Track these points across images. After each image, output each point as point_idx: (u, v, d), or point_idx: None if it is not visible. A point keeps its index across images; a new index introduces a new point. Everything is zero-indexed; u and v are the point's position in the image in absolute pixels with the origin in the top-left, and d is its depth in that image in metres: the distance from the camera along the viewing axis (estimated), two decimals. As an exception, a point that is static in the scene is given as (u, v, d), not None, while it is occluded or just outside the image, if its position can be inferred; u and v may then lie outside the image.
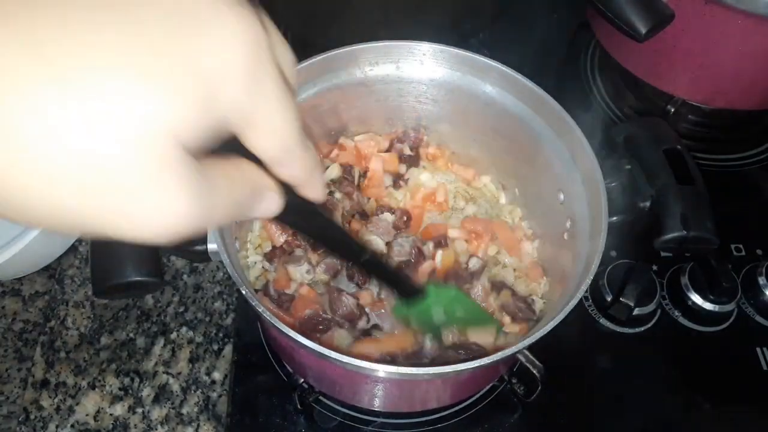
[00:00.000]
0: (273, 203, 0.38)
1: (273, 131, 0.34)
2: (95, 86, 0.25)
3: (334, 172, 0.90)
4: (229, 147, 0.33)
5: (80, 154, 0.25)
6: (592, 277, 0.64)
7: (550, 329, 0.61)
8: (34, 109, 0.24)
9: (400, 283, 0.69)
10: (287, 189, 0.39)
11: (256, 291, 0.81)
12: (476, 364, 0.59)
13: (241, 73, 0.29)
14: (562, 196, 0.79)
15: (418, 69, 0.86)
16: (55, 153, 0.25)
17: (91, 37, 0.25)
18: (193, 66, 0.27)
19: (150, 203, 0.27)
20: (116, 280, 0.63)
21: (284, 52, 0.35)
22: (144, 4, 0.27)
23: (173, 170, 0.28)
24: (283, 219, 0.41)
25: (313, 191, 0.41)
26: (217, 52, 0.28)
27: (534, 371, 0.69)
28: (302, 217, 0.45)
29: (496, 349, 0.66)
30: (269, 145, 0.34)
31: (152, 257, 0.64)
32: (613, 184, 0.75)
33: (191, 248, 0.69)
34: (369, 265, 0.61)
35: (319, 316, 0.78)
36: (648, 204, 0.72)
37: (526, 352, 0.68)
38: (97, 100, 0.25)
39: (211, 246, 0.68)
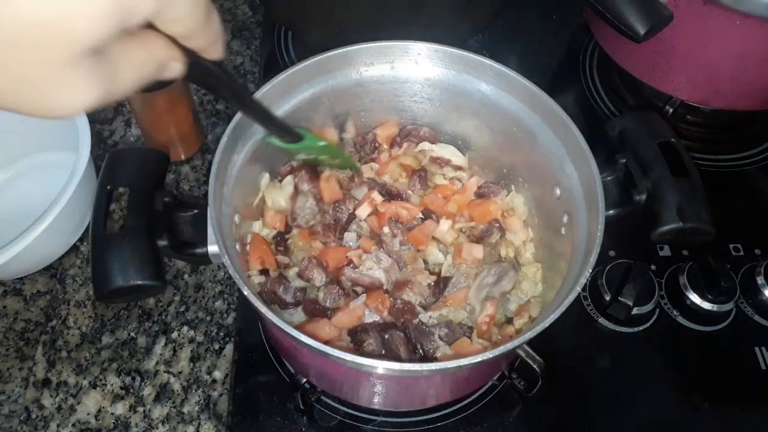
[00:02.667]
0: (176, 70, 0.45)
1: (182, 20, 0.41)
2: None
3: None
4: None
5: (8, 42, 0.32)
6: (590, 271, 0.64)
7: (549, 323, 0.61)
8: None
9: (281, 128, 0.75)
10: (191, 53, 0.47)
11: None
12: (477, 360, 0.59)
13: None
14: (558, 192, 0.80)
15: (413, 69, 0.86)
16: None
17: None
18: None
19: (59, 86, 0.35)
20: (117, 285, 0.63)
21: None
22: None
23: (79, 66, 0.35)
24: (188, 79, 0.49)
25: (214, 53, 0.49)
26: None
27: (534, 366, 0.69)
28: (202, 75, 0.54)
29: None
30: (179, 29, 0.42)
31: (154, 261, 0.64)
32: (608, 178, 0.75)
33: (192, 251, 0.69)
34: (253, 111, 0.69)
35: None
36: (644, 197, 0.72)
37: (527, 347, 0.68)
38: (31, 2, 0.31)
39: (212, 248, 0.68)
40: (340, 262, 0.85)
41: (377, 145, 0.94)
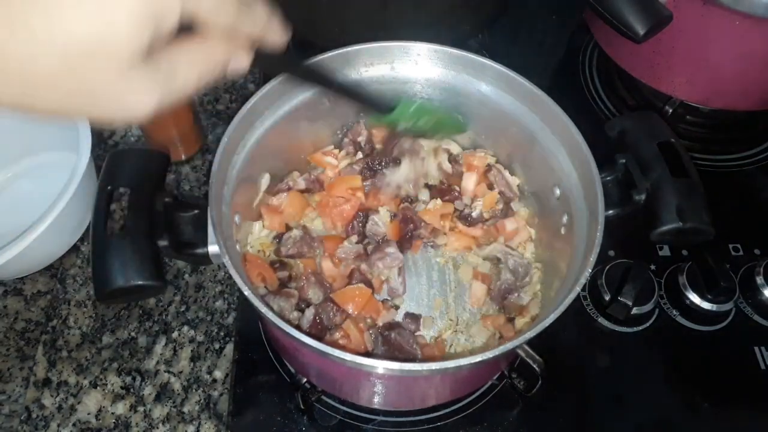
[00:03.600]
0: (242, 61, 0.49)
1: (215, 13, 0.44)
2: (78, 16, 0.36)
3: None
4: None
5: (68, 61, 0.37)
6: (590, 270, 0.65)
7: (549, 323, 0.61)
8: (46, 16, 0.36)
9: (372, 100, 0.78)
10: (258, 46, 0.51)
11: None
12: (477, 359, 0.60)
13: None
14: (558, 192, 0.80)
15: (412, 69, 0.86)
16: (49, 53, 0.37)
17: None
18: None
19: (120, 94, 0.40)
20: (118, 285, 0.63)
21: None
22: None
23: (134, 71, 0.39)
24: (261, 67, 0.55)
25: (273, 38, 0.52)
26: None
27: (534, 365, 0.69)
28: (275, 63, 0.58)
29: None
30: (218, 21, 0.45)
31: (154, 261, 0.64)
32: (608, 178, 0.76)
33: (192, 252, 0.69)
34: (342, 90, 0.73)
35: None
36: (643, 197, 0.72)
37: (526, 347, 0.68)
38: (75, 25, 0.37)
39: (213, 249, 0.68)
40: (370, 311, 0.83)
41: (374, 145, 0.94)
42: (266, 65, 0.57)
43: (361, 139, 0.93)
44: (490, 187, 0.91)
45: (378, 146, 0.95)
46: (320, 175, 0.93)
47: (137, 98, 0.41)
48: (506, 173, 0.91)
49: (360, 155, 0.94)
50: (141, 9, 0.38)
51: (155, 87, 0.41)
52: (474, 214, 0.90)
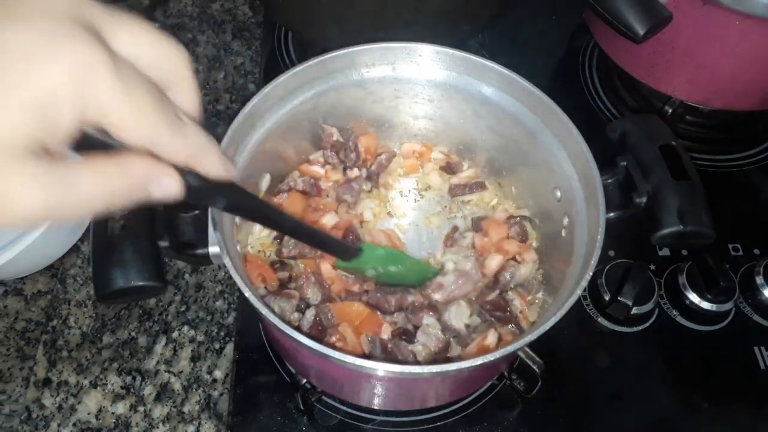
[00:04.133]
0: (170, 186, 0.42)
1: (126, 127, 0.39)
2: None
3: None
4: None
5: None
6: (591, 273, 0.65)
7: (550, 326, 0.61)
8: None
9: (333, 246, 0.74)
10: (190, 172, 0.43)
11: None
12: (477, 362, 0.60)
13: (71, 94, 0.36)
14: (559, 194, 0.80)
15: (414, 70, 0.86)
16: None
17: None
18: (27, 97, 0.35)
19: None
20: (118, 286, 0.63)
21: (146, 47, 0.42)
22: None
23: (15, 172, 0.35)
24: (196, 199, 0.45)
25: (209, 168, 0.45)
26: (47, 83, 0.35)
27: (534, 367, 0.69)
28: (216, 195, 0.49)
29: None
30: (131, 136, 0.39)
31: (154, 261, 0.65)
32: (609, 181, 0.76)
33: (193, 252, 0.69)
34: (299, 234, 0.68)
35: None
36: (644, 200, 0.72)
37: (527, 349, 0.68)
38: None
39: (213, 249, 0.68)
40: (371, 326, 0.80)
41: (359, 154, 0.93)
42: (203, 197, 0.47)
43: (338, 140, 0.92)
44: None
45: (366, 156, 0.94)
46: (318, 180, 0.93)
47: (18, 199, 0.36)
48: (528, 226, 0.87)
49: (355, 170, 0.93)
50: (27, 104, 0.35)
51: (43, 191, 0.36)
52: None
